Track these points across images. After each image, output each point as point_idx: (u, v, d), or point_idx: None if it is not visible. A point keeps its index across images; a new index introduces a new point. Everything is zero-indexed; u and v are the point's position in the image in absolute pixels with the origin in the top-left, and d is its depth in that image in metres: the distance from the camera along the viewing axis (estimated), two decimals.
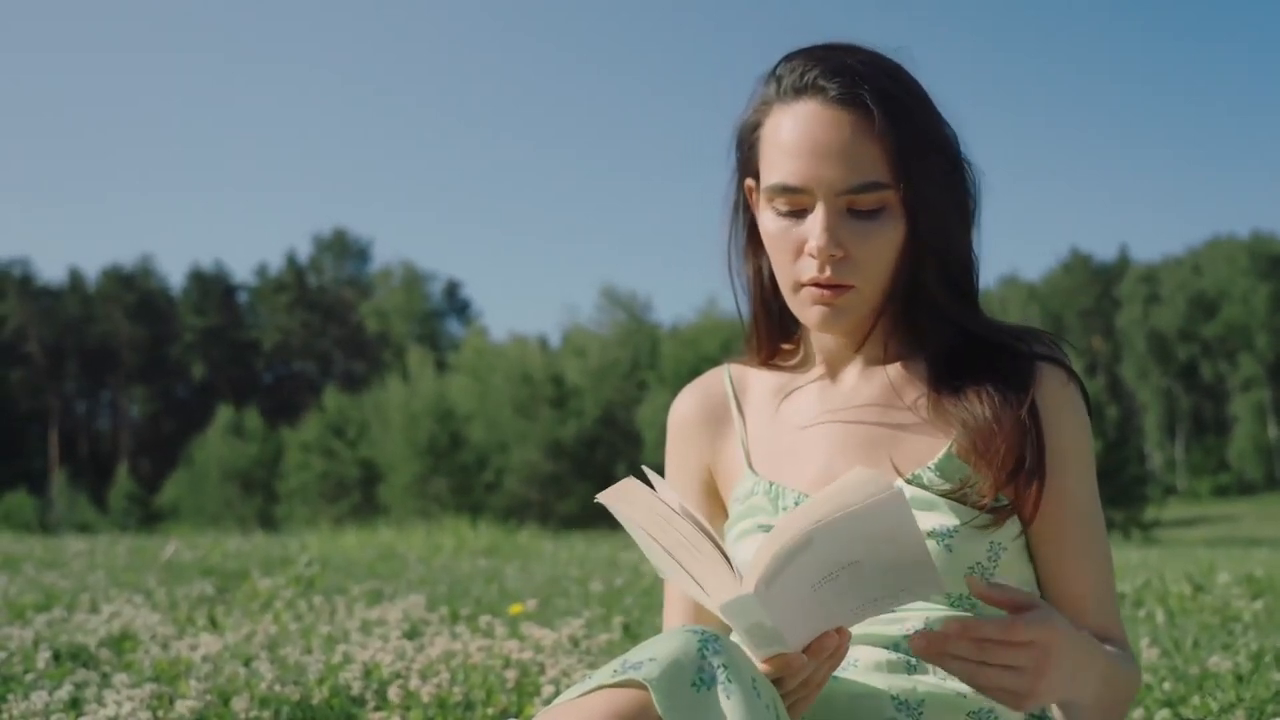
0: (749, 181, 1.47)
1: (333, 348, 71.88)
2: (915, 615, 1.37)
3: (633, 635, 3.62)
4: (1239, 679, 2.71)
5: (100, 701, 2.43)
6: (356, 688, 2.58)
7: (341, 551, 10.05)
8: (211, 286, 71.45)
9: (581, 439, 41.06)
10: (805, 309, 1.42)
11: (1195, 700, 2.54)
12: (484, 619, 3.66)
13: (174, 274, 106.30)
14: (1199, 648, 3.39)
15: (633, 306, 49.64)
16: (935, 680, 1.35)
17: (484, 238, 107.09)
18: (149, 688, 2.47)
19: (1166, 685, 2.66)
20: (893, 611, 1.35)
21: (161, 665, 2.93)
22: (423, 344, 57.84)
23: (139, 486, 50.60)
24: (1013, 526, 1.39)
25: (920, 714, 1.33)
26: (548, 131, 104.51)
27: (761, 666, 1.20)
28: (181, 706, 2.38)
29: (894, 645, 1.36)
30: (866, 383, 1.48)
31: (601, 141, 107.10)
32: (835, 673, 1.32)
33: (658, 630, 3.24)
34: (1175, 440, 60.60)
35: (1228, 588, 5.53)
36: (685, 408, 1.59)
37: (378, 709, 2.49)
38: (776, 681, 1.21)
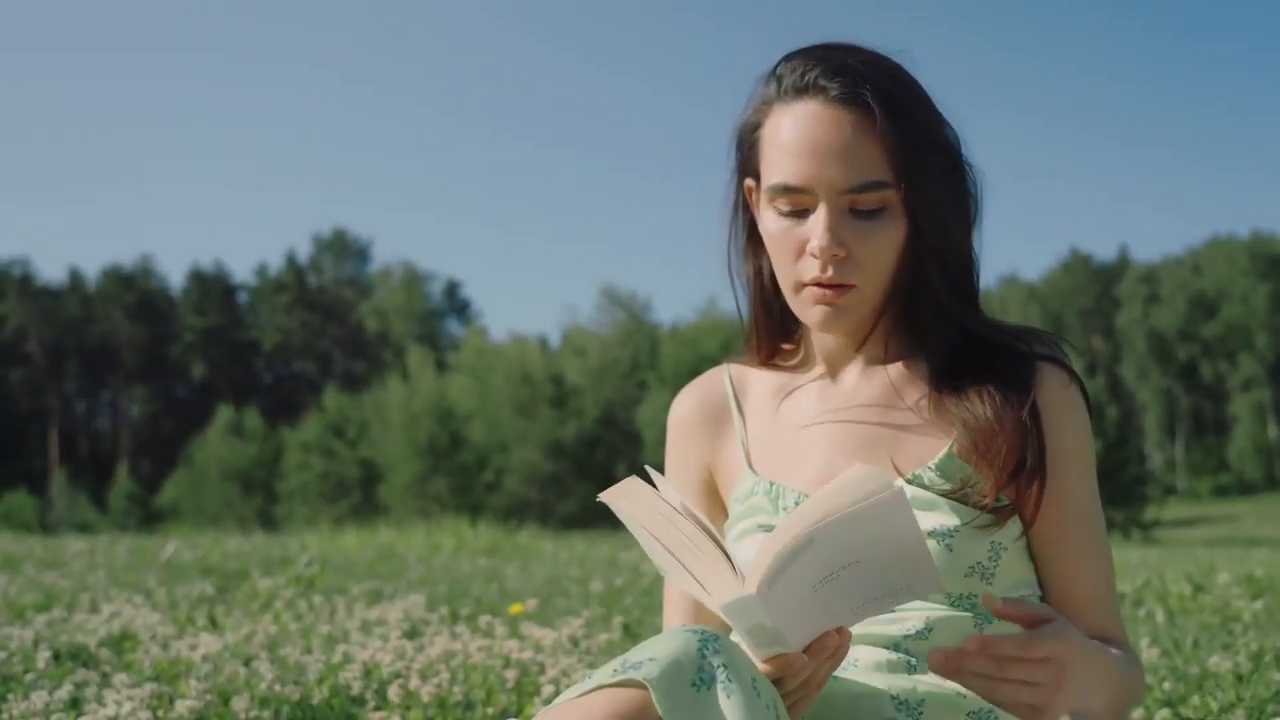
0: (748, 182, 1.47)
1: (333, 348, 71.88)
2: (915, 615, 1.37)
3: (633, 635, 3.62)
4: (1239, 679, 2.71)
5: (100, 701, 2.43)
6: (356, 687, 2.58)
7: (341, 551, 10.06)
8: (211, 286, 71.46)
9: (581, 439, 41.06)
10: (807, 309, 1.41)
11: (1195, 700, 2.54)
12: (484, 619, 3.66)
13: (174, 274, 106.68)
14: (1199, 648, 3.39)
15: (633, 306, 49.65)
16: (935, 680, 1.34)
17: (484, 238, 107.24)
18: (149, 687, 2.47)
19: (1166, 685, 2.66)
20: (892, 611, 1.35)
21: (161, 665, 2.93)
22: (423, 344, 57.84)
23: (139, 486, 50.60)
24: (1014, 527, 1.39)
25: (920, 714, 1.33)
26: (548, 131, 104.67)
27: (762, 666, 1.20)
28: (181, 706, 2.38)
29: (894, 645, 1.36)
30: (867, 382, 1.48)
31: (601, 141, 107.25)
32: (835, 672, 1.33)
33: (658, 630, 3.24)
34: (1175, 440, 60.61)
35: (1228, 588, 5.53)
36: (685, 408, 1.59)
37: (378, 709, 2.49)
38: (777, 681, 1.21)
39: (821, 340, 1.51)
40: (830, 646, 1.21)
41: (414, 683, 2.55)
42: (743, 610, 1.15)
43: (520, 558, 9.48)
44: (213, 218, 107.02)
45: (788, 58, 1.42)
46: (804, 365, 1.54)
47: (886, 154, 1.35)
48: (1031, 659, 1.21)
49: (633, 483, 1.25)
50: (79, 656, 3.15)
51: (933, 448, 1.41)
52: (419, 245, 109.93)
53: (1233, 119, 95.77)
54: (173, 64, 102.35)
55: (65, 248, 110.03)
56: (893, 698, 1.33)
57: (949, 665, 1.22)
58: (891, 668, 1.36)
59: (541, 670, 2.75)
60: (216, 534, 15.88)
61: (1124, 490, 34.96)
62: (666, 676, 1.13)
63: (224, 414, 51.06)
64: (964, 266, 1.44)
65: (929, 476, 1.39)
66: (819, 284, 1.38)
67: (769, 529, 1.43)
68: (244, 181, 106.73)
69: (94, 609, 4.43)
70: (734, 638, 1.25)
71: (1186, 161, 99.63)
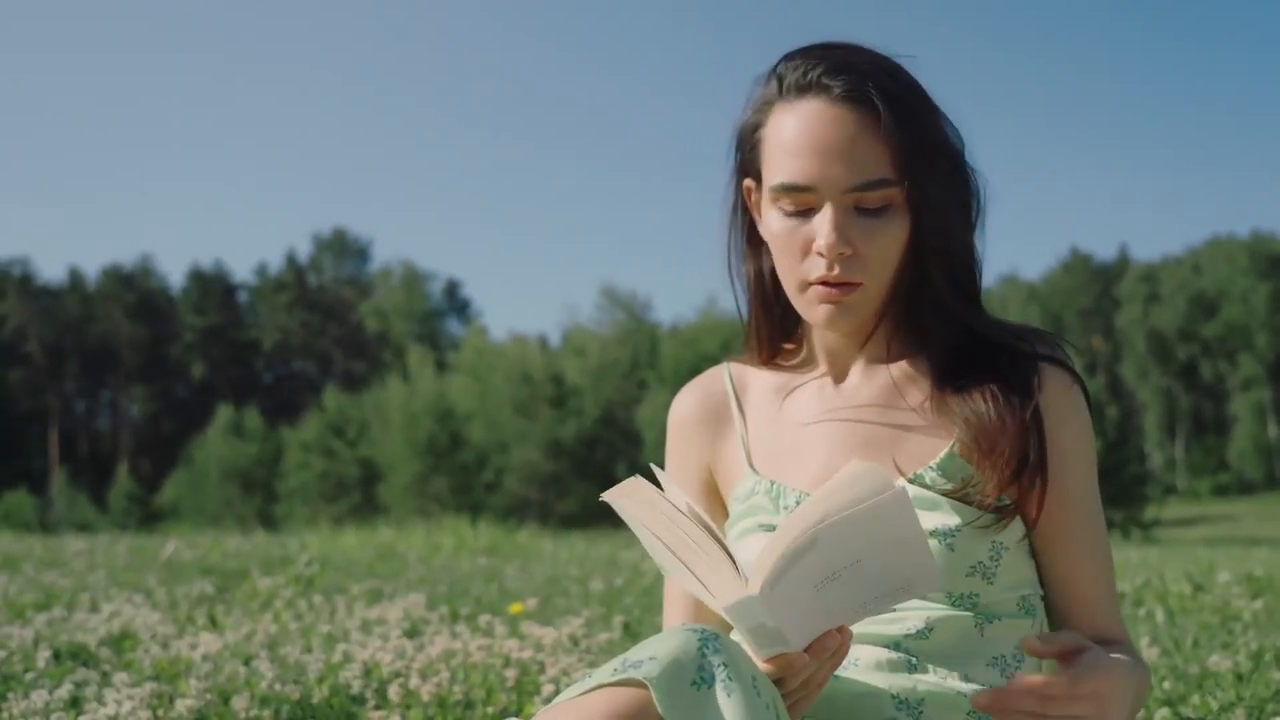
0: (747, 182, 1.47)
1: (333, 347, 71.87)
2: (915, 614, 1.37)
3: (633, 634, 3.62)
4: (1239, 678, 2.71)
5: (100, 700, 2.43)
6: (356, 687, 2.58)
7: (341, 551, 10.05)
8: (211, 286, 71.46)
9: (581, 438, 41.06)
10: (812, 308, 1.41)
11: (1195, 699, 2.54)
12: (484, 618, 3.66)
13: (174, 273, 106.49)
14: (1199, 647, 3.39)
15: (632, 306, 49.65)
16: (935, 679, 1.35)
17: (484, 238, 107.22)
18: (149, 687, 2.47)
19: (1166, 684, 2.66)
20: (893, 610, 1.36)
21: (161, 664, 2.93)
22: (423, 344, 57.84)
23: (139, 486, 50.59)
24: (1017, 528, 1.40)
25: (920, 713, 1.33)
26: (548, 131, 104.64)
27: (763, 666, 1.20)
28: (181, 705, 2.38)
29: (894, 644, 1.36)
30: (869, 382, 1.48)
31: (601, 141, 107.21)
32: (836, 672, 1.33)
33: (658, 629, 3.24)
34: (1175, 440, 60.60)
35: (1227, 587, 5.53)
36: (685, 407, 1.59)
37: (378, 708, 2.49)
38: (778, 681, 1.21)
39: (824, 339, 1.50)
40: (831, 646, 1.21)
41: (414, 682, 2.55)
42: (746, 611, 1.15)
43: (520, 557, 9.48)
44: (213, 218, 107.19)
45: (788, 57, 1.41)
46: (805, 365, 1.54)
47: (890, 152, 1.35)
48: (1076, 696, 1.24)
49: (635, 482, 1.25)
50: (79, 656, 3.16)
51: (934, 447, 1.41)
52: (419, 245, 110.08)
53: (1233, 119, 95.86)
54: (173, 64, 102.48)
55: (65, 247, 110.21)
56: (893, 697, 1.33)
57: (995, 705, 1.25)
58: (892, 667, 1.36)
59: (541, 669, 2.75)
60: (216, 533, 15.88)
61: (1124, 490, 34.94)
62: (667, 675, 1.13)
63: (224, 413, 51.05)
64: (966, 266, 1.44)
65: (930, 476, 1.39)
66: (825, 283, 1.38)
67: (770, 528, 1.43)
68: (244, 181, 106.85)
69: (94, 608, 4.43)
70: (734, 637, 1.25)
71: (1186, 161, 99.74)
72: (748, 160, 1.45)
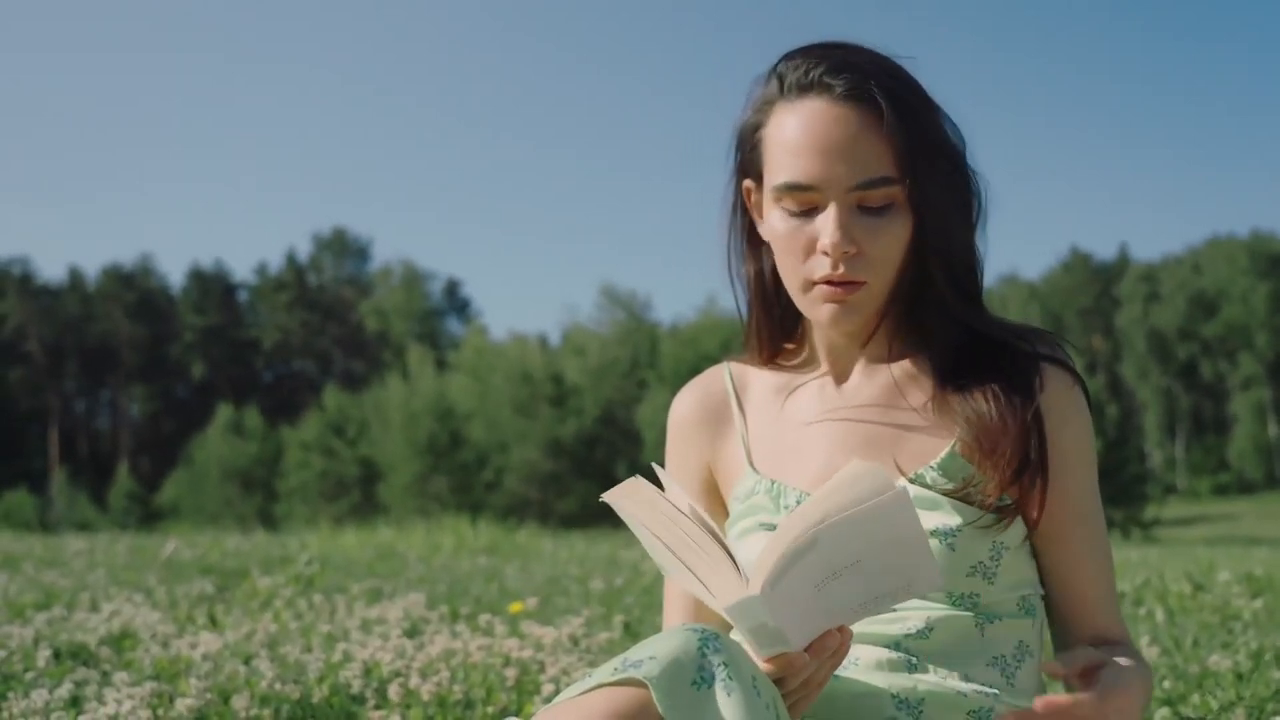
0: (747, 183, 1.47)
1: (332, 347, 71.87)
2: (916, 614, 1.37)
3: (633, 634, 3.62)
4: (1239, 677, 2.71)
5: (100, 700, 2.43)
6: (356, 686, 2.58)
7: (341, 550, 10.05)
8: (211, 285, 71.45)
9: (581, 438, 41.06)
10: (816, 307, 1.41)
11: (1195, 699, 2.54)
12: (484, 618, 3.66)
13: (174, 273, 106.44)
14: (1199, 646, 3.39)
15: (632, 305, 49.64)
16: (936, 679, 1.35)
17: (484, 237, 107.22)
18: (149, 686, 2.47)
19: (1166, 684, 2.66)
20: (893, 610, 1.36)
21: (161, 664, 2.93)
22: (423, 343, 57.80)
23: (139, 485, 50.62)
24: (1018, 528, 1.40)
25: (920, 713, 1.33)
26: (548, 131, 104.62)
27: (764, 666, 1.20)
28: (181, 705, 2.38)
29: (895, 644, 1.36)
30: (870, 381, 1.48)
31: (601, 141, 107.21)
32: (836, 671, 1.33)
33: (658, 629, 3.24)
34: (1175, 439, 60.60)
35: (1227, 586, 5.53)
36: (685, 407, 1.59)
37: (378, 707, 2.49)
38: (778, 681, 1.21)
39: (825, 339, 1.50)
40: (831, 646, 1.21)
41: (414, 681, 2.55)
42: (746, 611, 1.15)
43: (520, 557, 9.48)
44: (213, 217, 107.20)
45: (788, 56, 1.41)
46: (806, 364, 1.54)
47: (892, 150, 1.35)
48: (1105, 715, 1.25)
49: (636, 482, 1.25)
50: (79, 655, 3.15)
51: (935, 447, 1.41)
52: (419, 245, 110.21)
53: (1233, 119, 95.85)
54: (173, 64, 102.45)
55: (65, 247, 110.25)
56: (893, 696, 1.33)
57: None
58: (892, 666, 1.35)
59: (541, 669, 2.75)
60: (216, 533, 15.88)
61: (1124, 489, 34.95)
62: (667, 675, 1.13)
63: (224, 413, 51.06)
64: (967, 265, 1.44)
65: (931, 476, 1.39)
66: (829, 282, 1.38)
67: (770, 528, 1.43)
68: (244, 180, 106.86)
69: (94, 608, 4.43)
70: (735, 636, 1.25)
71: (1186, 161, 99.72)
72: (748, 160, 1.45)
